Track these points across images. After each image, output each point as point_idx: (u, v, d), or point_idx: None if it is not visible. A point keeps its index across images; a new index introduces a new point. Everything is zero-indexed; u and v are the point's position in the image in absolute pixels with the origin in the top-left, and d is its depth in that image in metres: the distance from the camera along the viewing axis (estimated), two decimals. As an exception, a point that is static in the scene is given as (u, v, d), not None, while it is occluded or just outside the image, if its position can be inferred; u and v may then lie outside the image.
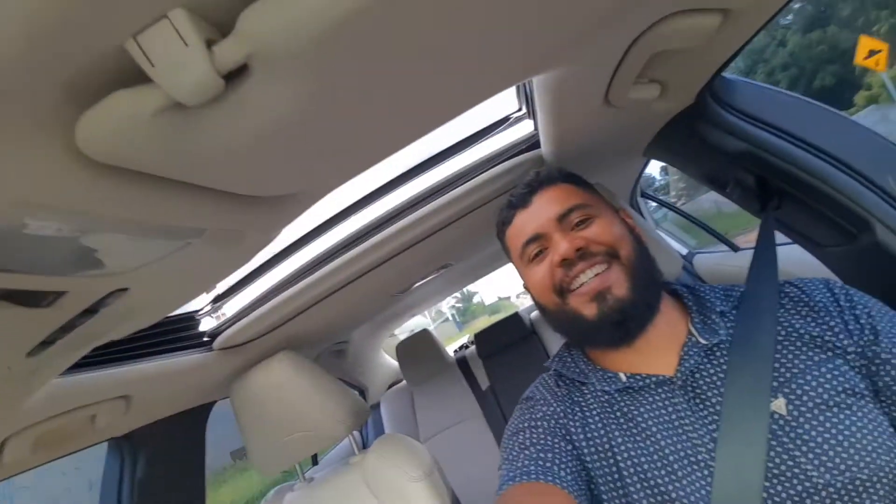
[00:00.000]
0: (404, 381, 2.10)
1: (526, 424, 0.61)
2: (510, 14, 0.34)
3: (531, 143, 0.79)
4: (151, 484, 0.98)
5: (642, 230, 0.82)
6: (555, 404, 0.62)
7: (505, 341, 1.90)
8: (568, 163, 0.83)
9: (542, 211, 0.61)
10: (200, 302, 1.01)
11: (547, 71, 0.49)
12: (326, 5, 0.23)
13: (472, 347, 2.06)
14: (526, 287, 0.66)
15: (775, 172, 0.67)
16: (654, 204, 1.85)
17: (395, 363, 2.21)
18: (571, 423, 0.59)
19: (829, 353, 0.51)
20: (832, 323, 0.53)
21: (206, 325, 0.99)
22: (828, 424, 0.47)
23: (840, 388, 0.49)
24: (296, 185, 0.42)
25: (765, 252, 0.61)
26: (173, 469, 1.04)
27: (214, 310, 1.01)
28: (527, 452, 0.56)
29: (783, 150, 0.65)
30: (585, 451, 0.57)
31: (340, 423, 1.00)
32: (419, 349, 1.97)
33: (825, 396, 0.49)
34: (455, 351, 2.29)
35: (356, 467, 1.00)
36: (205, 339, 0.98)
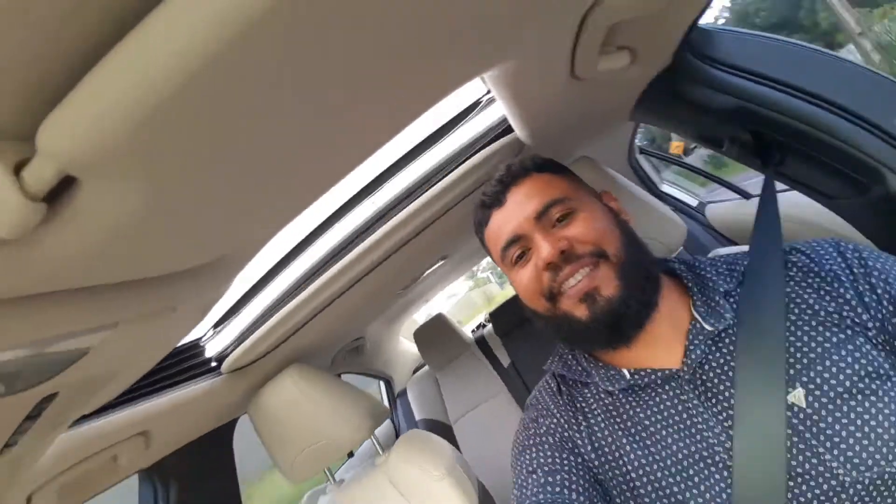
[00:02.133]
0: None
1: (531, 441, 0.58)
2: (437, 17, 0.30)
3: (506, 126, 0.74)
4: (187, 506, 1.01)
5: (639, 202, 0.78)
6: (558, 415, 0.59)
7: (520, 316, 1.88)
8: (549, 141, 0.78)
9: (518, 209, 0.57)
10: (202, 329, 1.01)
11: (496, 65, 0.44)
12: (138, 93, 0.20)
13: (489, 326, 2.05)
14: (514, 288, 0.62)
15: (772, 126, 0.61)
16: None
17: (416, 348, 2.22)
18: (577, 434, 0.57)
19: (848, 332, 0.47)
20: (848, 296, 0.48)
21: (211, 350, 1.00)
22: (852, 415, 0.43)
23: (863, 372, 0.45)
24: (213, 252, 0.39)
25: (766, 217, 0.56)
26: (205, 489, 1.06)
27: (216, 335, 1.01)
28: (534, 477, 0.54)
29: (777, 101, 0.59)
30: (595, 462, 0.54)
31: (359, 428, 1.00)
32: (436, 334, 1.97)
33: (847, 384, 0.45)
34: (472, 331, 2.29)
35: (381, 468, 1.01)
36: (212, 364, 0.98)
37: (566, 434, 0.57)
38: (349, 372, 1.87)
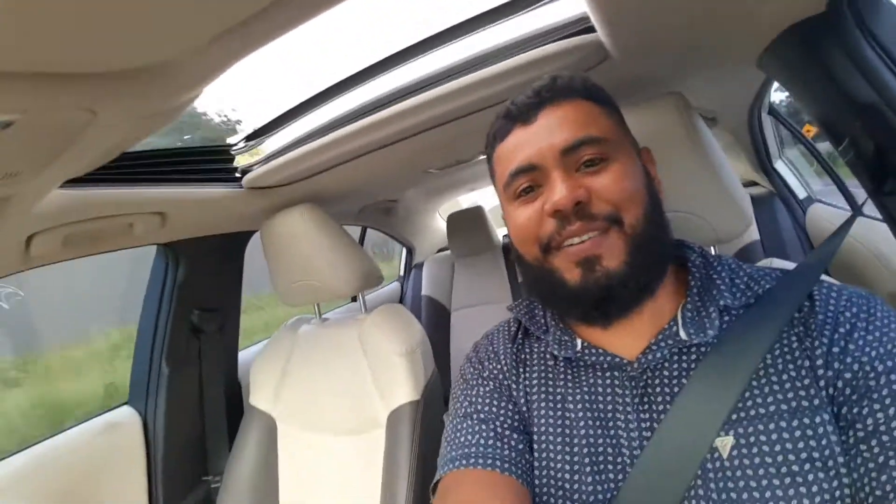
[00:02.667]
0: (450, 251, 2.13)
1: (474, 381, 0.56)
2: None
3: (587, 23, 0.59)
4: (190, 287, 1.14)
5: (710, 170, 0.64)
6: (504, 361, 0.56)
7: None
8: (641, 58, 0.63)
9: (545, 134, 0.47)
10: (235, 138, 1.02)
11: None
12: None
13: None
14: (506, 224, 0.55)
15: None
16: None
17: None
18: (514, 384, 0.54)
19: (806, 404, 0.41)
20: (818, 362, 0.42)
21: (239, 161, 1.02)
22: (767, 493, 0.39)
23: (800, 456, 0.39)
24: (140, 56, 0.32)
25: (826, 247, 0.45)
26: (211, 278, 1.19)
27: (247, 148, 1.02)
28: (468, 423, 0.52)
29: None
30: (525, 413, 0.53)
31: (346, 283, 1.04)
32: (470, 224, 1.95)
33: (779, 459, 0.40)
34: (504, 236, 2.25)
35: (358, 324, 1.07)
36: (236, 174, 1.01)
37: (506, 382, 0.55)
38: (376, 228, 1.93)
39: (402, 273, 2.30)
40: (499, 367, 0.56)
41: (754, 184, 1.67)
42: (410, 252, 2.24)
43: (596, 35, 0.59)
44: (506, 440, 0.50)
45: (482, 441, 0.50)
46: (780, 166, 1.46)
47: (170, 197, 0.89)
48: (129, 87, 0.34)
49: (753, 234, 1.47)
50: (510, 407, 0.53)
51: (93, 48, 0.28)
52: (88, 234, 0.81)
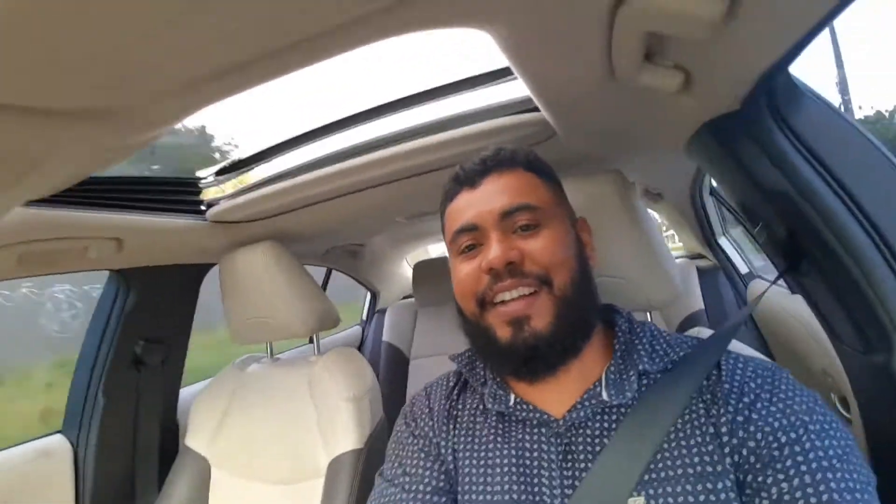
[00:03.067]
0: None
1: (405, 440, 0.58)
2: None
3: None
4: (137, 316, 1.11)
5: (645, 242, 0.70)
6: (436, 416, 0.58)
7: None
8: (584, 138, 0.70)
9: (487, 199, 0.52)
10: (205, 171, 1.05)
11: (502, 22, 0.37)
12: None
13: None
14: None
15: (813, 235, 0.51)
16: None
17: None
18: (444, 441, 0.56)
19: (710, 469, 0.43)
20: (723, 419, 0.45)
21: (205, 194, 1.04)
22: None
23: None
24: (85, 97, 0.35)
25: (735, 320, 0.49)
26: (161, 309, 1.16)
27: (216, 182, 1.04)
28: (392, 491, 0.54)
29: (834, 215, 0.49)
30: (452, 472, 0.54)
31: (302, 324, 1.04)
32: (435, 274, 1.97)
33: None
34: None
35: (308, 367, 1.06)
36: (201, 207, 1.02)
37: (435, 440, 0.57)
38: (340, 270, 1.94)
39: (364, 318, 2.28)
40: (430, 423, 0.58)
41: (702, 256, 1.78)
42: (374, 297, 2.24)
43: (541, 114, 0.66)
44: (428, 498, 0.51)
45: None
46: (723, 242, 1.57)
47: (128, 224, 0.89)
48: (92, 125, 0.36)
49: (699, 303, 1.55)
50: (437, 466, 0.54)
51: (56, 86, 0.31)
52: (44, 253, 0.80)
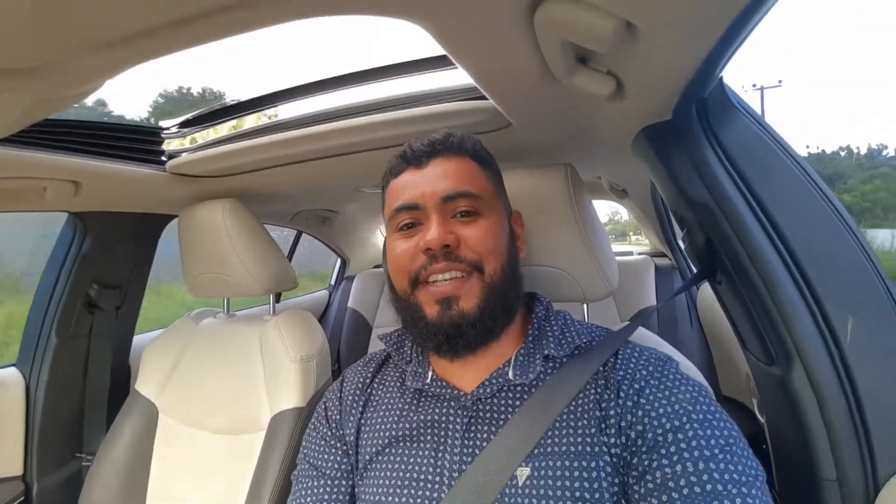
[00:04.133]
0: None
1: (312, 435, 0.63)
2: None
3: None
4: (93, 260, 1.11)
5: (587, 237, 0.73)
6: (345, 400, 0.63)
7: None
8: (535, 132, 0.71)
9: (431, 181, 0.54)
10: (168, 122, 1.03)
11: (436, 16, 0.38)
12: None
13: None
14: (384, 253, 0.62)
15: (727, 247, 0.54)
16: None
17: None
18: (351, 419, 0.60)
19: (588, 449, 0.48)
20: (611, 404, 0.49)
21: (167, 145, 1.02)
22: None
23: (570, 493, 0.46)
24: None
25: (641, 316, 0.52)
26: (117, 255, 1.16)
27: (180, 134, 1.03)
28: (309, 477, 0.59)
29: (748, 230, 0.52)
30: (353, 442, 0.59)
31: (258, 283, 1.05)
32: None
33: (558, 493, 0.46)
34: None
35: (261, 325, 1.08)
36: (161, 158, 1.01)
37: (339, 423, 0.61)
38: (311, 234, 1.94)
39: (332, 283, 2.30)
40: (338, 407, 0.63)
41: (664, 255, 1.84)
42: (344, 263, 2.25)
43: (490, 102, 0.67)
44: (333, 489, 0.58)
45: (311, 493, 0.58)
46: (682, 243, 1.63)
47: (86, 168, 0.89)
48: (22, 80, 0.37)
49: (652, 299, 1.61)
50: (339, 449, 0.60)
51: None
52: (4, 192, 0.79)
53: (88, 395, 1.18)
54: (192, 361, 1.08)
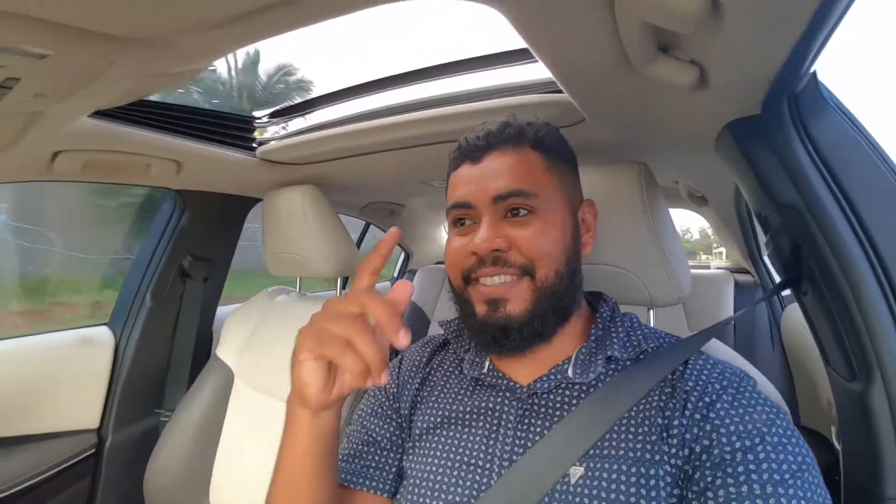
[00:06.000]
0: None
1: (372, 397, 0.64)
2: None
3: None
4: (189, 233, 1.24)
5: (660, 244, 0.70)
6: (402, 376, 0.64)
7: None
8: (609, 124, 0.70)
9: (483, 179, 0.53)
10: (261, 112, 1.13)
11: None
12: None
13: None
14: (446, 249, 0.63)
15: (815, 253, 0.50)
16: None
17: None
18: (406, 395, 0.61)
19: (648, 457, 0.46)
20: (676, 413, 0.47)
21: (258, 133, 1.12)
22: None
23: (625, 498, 0.44)
24: (147, 27, 0.40)
25: (717, 325, 0.50)
26: (210, 231, 1.29)
27: (270, 123, 1.12)
28: (354, 439, 0.61)
29: (839, 235, 0.47)
30: (407, 414, 0.60)
31: (328, 266, 1.12)
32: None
33: (612, 497, 0.45)
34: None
35: (328, 305, 1.14)
36: (252, 144, 1.11)
37: (394, 396, 0.63)
38: (378, 226, 2.02)
39: (395, 275, 2.37)
40: (395, 382, 0.63)
41: (745, 271, 1.70)
42: (408, 257, 2.31)
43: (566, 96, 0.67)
44: (383, 458, 0.59)
45: (361, 460, 0.59)
46: (768, 260, 1.50)
47: (188, 149, 0.99)
48: (139, 50, 0.43)
49: (729, 314, 1.50)
50: (393, 420, 0.61)
51: (107, 14, 0.37)
52: (108, 163, 0.91)
53: (174, 355, 1.31)
54: (267, 332, 1.17)
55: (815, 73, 0.48)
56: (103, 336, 1.22)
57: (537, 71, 0.76)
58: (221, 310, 1.43)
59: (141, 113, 0.87)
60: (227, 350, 1.18)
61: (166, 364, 1.29)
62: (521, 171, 0.52)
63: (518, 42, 0.51)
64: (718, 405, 0.45)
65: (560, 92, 0.71)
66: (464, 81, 0.84)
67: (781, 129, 0.50)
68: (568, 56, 0.50)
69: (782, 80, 0.43)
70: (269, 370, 1.13)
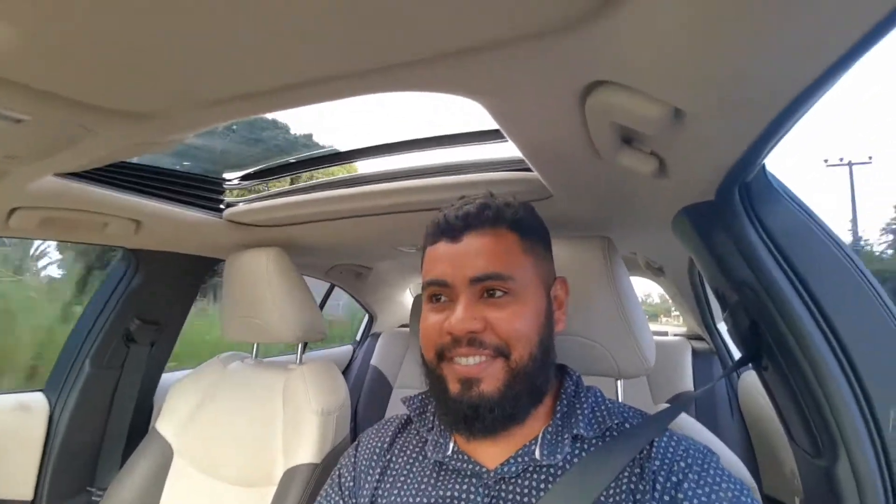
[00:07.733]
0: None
1: (326, 497, 0.62)
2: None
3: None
4: (140, 295, 1.17)
5: (624, 315, 0.72)
6: (360, 466, 0.61)
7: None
8: (575, 205, 0.74)
9: (462, 258, 0.52)
10: (232, 174, 1.12)
11: (493, 93, 0.42)
12: None
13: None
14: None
15: (774, 331, 0.53)
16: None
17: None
18: (366, 486, 0.59)
19: None
20: (647, 496, 0.46)
21: (228, 195, 1.11)
22: None
23: None
24: (139, 102, 0.40)
25: (680, 402, 0.50)
26: (163, 293, 1.22)
27: (239, 185, 1.11)
28: None
29: (796, 315, 0.51)
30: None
31: (289, 330, 1.07)
32: (433, 309, 2.00)
33: None
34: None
35: (286, 373, 1.08)
36: (220, 206, 1.09)
37: (353, 491, 0.60)
38: (343, 288, 1.98)
39: (357, 339, 2.30)
40: (352, 473, 0.61)
41: (700, 338, 1.76)
42: (372, 320, 2.26)
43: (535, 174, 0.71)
44: None
45: None
46: (722, 327, 1.56)
47: (149, 209, 0.96)
48: (128, 122, 0.42)
49: (689, 384, 1.53)
50: None
51: (96, 86, 0.37)
52: (64, 221, 0.87)
53: (109, 427, 1.19)
54: (215, 405, 1.08)
55: (763, 164, 0.53)
56: (38, 403, 1.11)
57: (509, 149, 0.81)
58: (167, 377, 1.32)
59: (103, 170, 0.84)
60: (167, 423, 1.08)
61: (100, 437, 1.16)
62: (498, 253, 0.53)
63: (492, 123, 0.54)
64: (685, 485, 0.46)
65: (530, 170, 0.76)
66: (438, 155, 0.87)
67: (734, 214, 0.54)
68: (539, 143, 0.53)
69: (735, 171, 0.48)
70: (213, 447, 1.03)
